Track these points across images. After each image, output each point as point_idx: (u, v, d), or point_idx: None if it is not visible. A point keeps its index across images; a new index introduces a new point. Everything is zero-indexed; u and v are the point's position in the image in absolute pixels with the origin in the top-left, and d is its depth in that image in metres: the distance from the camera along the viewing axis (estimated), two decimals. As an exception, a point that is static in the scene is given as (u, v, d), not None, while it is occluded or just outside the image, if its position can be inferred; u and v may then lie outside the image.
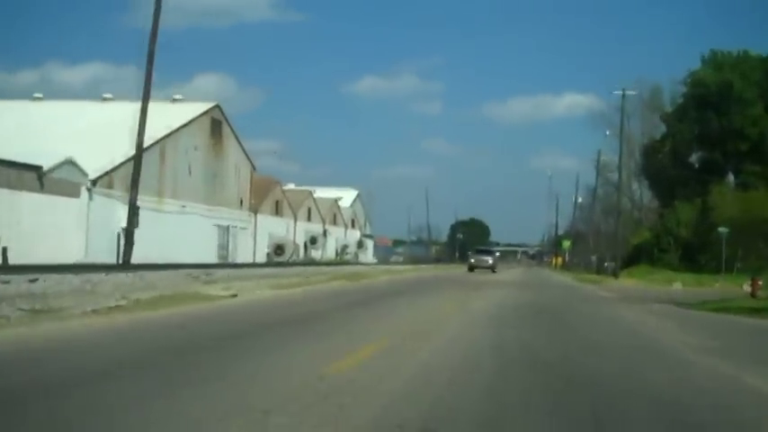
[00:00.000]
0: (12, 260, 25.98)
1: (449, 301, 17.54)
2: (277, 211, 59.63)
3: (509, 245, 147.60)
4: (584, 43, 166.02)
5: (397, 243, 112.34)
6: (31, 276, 13.30)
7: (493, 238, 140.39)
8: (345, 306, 14.66)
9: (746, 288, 26.41)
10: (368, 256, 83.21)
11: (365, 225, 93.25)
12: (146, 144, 30.12)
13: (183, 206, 42.26)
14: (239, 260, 45.82)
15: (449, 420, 5.09)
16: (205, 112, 46.18)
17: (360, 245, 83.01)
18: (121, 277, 14.85)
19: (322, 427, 4.60)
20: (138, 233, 28.79)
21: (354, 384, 6.00)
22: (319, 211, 71.47)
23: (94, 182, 34.50)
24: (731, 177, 54.34)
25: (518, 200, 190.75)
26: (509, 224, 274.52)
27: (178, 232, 39.31)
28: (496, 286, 27.21)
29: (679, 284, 34.35)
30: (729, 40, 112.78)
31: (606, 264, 56.72)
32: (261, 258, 50.99)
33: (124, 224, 28.75)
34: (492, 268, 51.68)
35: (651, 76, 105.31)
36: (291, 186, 70.25)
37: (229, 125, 49.00)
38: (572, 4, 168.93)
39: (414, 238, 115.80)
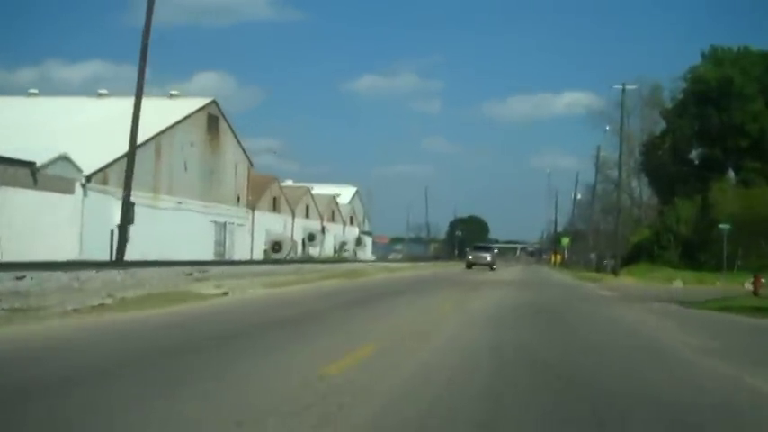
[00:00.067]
0: (5, 258, 25.65)
1: (447, 301, 17.32)
2: (275, 207, 59.32)
3: (508, 242, 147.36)
4: (584, 42, 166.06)
5: (396, 240, 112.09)
6: (19, 274, 12.96)
7: (492, 235, 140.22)
8: (339, 306, 14.40)
9: (748, 286, 26.18)
10: (366, 253, 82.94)
11: (364, 222, 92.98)
12: (141, 140, 29.83)
13: (180, 202, 41.94)
14: (236, 257, 45.57)
15: (449, 420, 5.07)
16: (201, 108, 45.81)
17: (358, 242, 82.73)
18: (112, 275, 14.54)
19: (322, 427, 4.57)
20: (134, 230, 28.51)
21: (354, 384, 5.96)
22: (317, 208, 71.16)
23: (89, 178, 34.16)
24: (731, 174, 54.03)
25: (517, 198, 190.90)
26: (508, 222, 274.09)
27: (174, 229, 39.00)
28: (495, 285, 26.98)
29: (679, 282, 34.10)
30: (730, 38, 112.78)
31: (605, 261, 56.46)
32: (258, 255, 50.69)
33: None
34: (490, 266, 51.36)
35: (651, 75, 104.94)
36: (289, 183, 69.95)
37: (226, 121, 48.64)
38: (572, 3, 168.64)
39: (412, 235, 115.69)
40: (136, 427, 4.51)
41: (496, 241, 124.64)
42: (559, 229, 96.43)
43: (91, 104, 45.93)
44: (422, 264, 62.14)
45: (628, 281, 38.41)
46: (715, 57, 54.50)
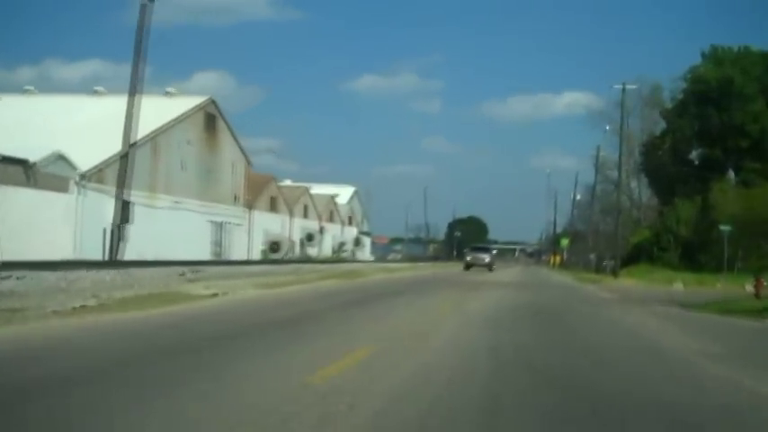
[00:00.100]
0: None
1: (446, 302, 17.15)
2: (273, 207, 59.02)
3: (507, 243, 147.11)
4: (584, 42, 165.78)
5: (395, 241, 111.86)
6: (4, 274, 12.66)
7: (491, 236, 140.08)
8: (337, 307, 14.19)
9: (748, 288, 25.89)
10: (365, 253, 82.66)
11: (362, 222, 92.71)
12: (137, 138, 29.53)
13: (177, 202, 41.63)
14: (234, 257, 45.25)
15: (449, 420, 5.10)
16: (199, 107, 45.50)
17: (357, 242, 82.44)
18: (102, 275, 14.24)
19: (322, 427, 4.58)
20: (131, 229, 28.21)
21: (354, 384, 5.98)
22: (316, 208, 70.87)
23: (85, 176, 33.85)
24: (732, 174, 53.78)
25: (517, 198, 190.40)
26: (507, 222, 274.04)
27: (171, 228, 38.68)
28: (494, 287, 26.75)
29: (680, 284, 33.78)
30: (730, 38, 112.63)
31: (605, 262, 56.16)
32: (256, 255, 50.39)
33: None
34: (489, 267, 51.00)
35: (651, 75, 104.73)
36: (288, 183, 69.65)
37: (224, 120, 48.32)
38: (572, 2, 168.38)
39: (411, 236, 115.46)
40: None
41: (495, 242, 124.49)
42: (559, 229, 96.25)
43: (88, 102, 45.56)
44: (421, 264, 61.92)
45: (628, 282, 38.09)
46: (715, 56, 54.25)
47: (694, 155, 56.59)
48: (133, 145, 27.07)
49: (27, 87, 50.92)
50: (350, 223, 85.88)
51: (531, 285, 31.12)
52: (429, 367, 7.19)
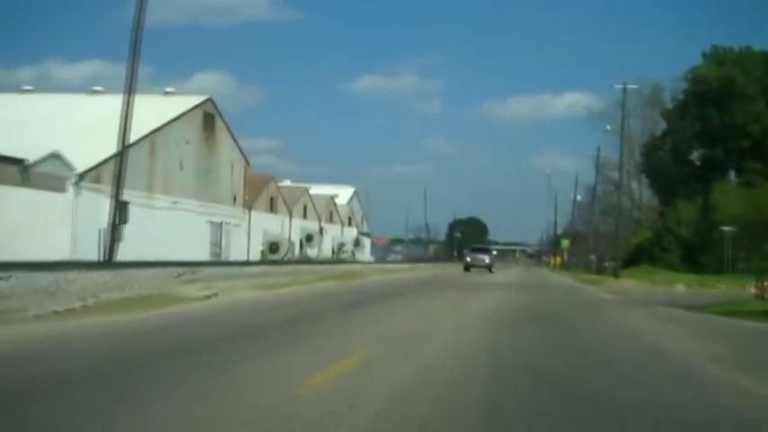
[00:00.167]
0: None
1: (446, 303, 17.03)
2: (272, 207, 58.81)
3: (507, 244, 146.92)
4: (584, 42, 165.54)
5: (395, 242, 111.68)
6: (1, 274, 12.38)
7: (491, 236, 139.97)
8: (335, 308, 14.03)
9: (750, 289, 25.73)
10: (365, 254, 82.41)
11: (362, 223, 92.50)
12: (135, 137, 29.31)
13: (175, 202, 41.40)
14: (233, 258, 45.01)
15: (449, 420, 5.12)
16: (197, 106, 45.24)
17: (356, 243, 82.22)
18: (95, 276, 13.96)
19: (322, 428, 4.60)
20: (129, 230, 27.99)
21: (354, 385, 5.99)
22: (315, 209, 70.66)
23: (82, 176, 33.64)
24: (733, 175, 53.64)
25: (517, 199, 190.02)
26: (508, 223, 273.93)
27: (170, 229, 38.45)
28: (493, 288, 26.58)
29: (682, 286, 33.59)
30: (731, 38, 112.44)
31: (606, 263, 55.94)
32: (255, 256, 50.16)
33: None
34: (489, 267, 50.78)
35: (652, 75, 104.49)
36: (287, 183, 69.44)
37: (223, 119, 48.09)
38: (572, 2, 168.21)
39: (411, 236, 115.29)
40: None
41: (496, 243, 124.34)
42: (559, 230, 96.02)
43: (87, 102, 45.31)
44: (421, 265, 61.70)
45: (629, 284, 37.86)
46: (716, 57, 54.11)
47: (695, 155, 56.46)
48: (127, 144, 26.79)
49: (25, 87, 50.69)
50: (349, 224, 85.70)
51: (532, 286, 30.98)
52: (429, 368, 7.20)
